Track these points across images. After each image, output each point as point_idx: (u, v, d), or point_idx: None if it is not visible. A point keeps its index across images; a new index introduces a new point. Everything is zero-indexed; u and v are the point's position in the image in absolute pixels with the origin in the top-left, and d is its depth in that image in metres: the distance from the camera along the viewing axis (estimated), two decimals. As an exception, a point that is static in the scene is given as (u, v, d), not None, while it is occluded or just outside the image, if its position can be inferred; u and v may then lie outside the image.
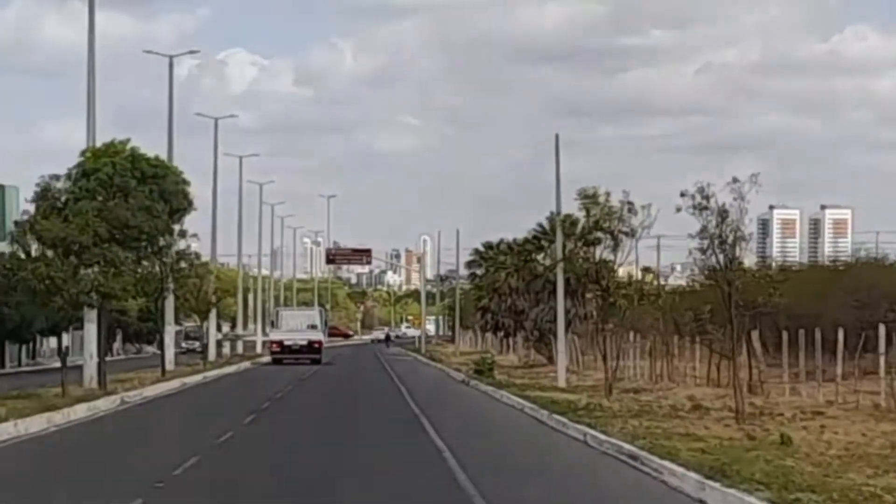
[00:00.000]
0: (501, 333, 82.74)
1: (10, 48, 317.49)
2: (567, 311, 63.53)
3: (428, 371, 59.44)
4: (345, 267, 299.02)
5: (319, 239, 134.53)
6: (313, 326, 66.35)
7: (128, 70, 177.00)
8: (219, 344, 70.32)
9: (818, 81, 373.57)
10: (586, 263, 29.95)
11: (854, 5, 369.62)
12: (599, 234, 29.21)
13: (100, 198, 35.88)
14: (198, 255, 51.36)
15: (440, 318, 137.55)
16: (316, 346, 64.41)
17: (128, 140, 38.47)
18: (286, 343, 64.12)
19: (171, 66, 57.16)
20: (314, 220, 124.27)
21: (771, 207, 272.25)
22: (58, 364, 36.89)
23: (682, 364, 36.58)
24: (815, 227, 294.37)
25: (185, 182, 40.33)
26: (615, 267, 29.66)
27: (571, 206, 34.52)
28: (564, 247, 39.27)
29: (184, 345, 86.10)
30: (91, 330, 37.08)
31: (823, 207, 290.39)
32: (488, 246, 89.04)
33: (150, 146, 40.66)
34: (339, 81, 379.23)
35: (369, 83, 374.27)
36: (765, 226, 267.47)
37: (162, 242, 37.34)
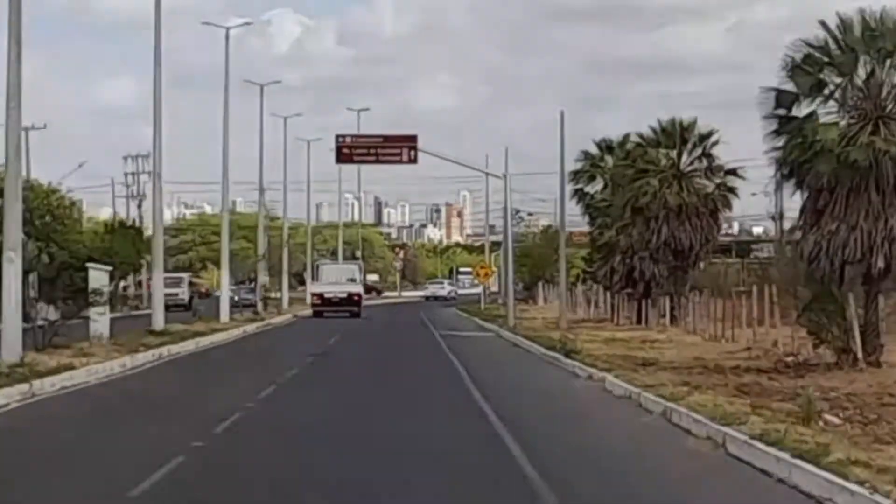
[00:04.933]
0: (639, 291, 47.86)
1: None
2: (870, 237, 28.82)
3: (594, 423, 18.90)
4: (384, 220, 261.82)
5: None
6: (352, 280, 68.25)
7: (173, 30, 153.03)
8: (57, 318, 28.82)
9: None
10: None
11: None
12: None
13: None
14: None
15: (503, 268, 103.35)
16: (355, 298, 66.33)
17: None
18: (326, 296, 66.34)
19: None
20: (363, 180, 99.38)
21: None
22: None
23: None
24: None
25: None
26: None
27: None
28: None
29: None
30: None
31: None
32: (607, 146, 53.85)
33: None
34: (380, 41, 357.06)
35: (408, 43, 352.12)
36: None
37: None
